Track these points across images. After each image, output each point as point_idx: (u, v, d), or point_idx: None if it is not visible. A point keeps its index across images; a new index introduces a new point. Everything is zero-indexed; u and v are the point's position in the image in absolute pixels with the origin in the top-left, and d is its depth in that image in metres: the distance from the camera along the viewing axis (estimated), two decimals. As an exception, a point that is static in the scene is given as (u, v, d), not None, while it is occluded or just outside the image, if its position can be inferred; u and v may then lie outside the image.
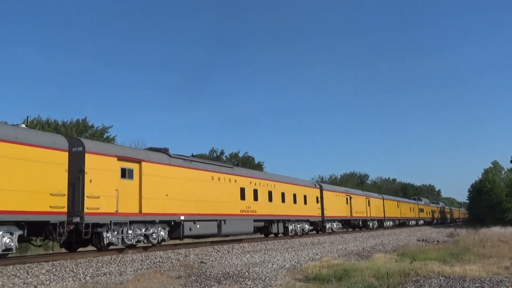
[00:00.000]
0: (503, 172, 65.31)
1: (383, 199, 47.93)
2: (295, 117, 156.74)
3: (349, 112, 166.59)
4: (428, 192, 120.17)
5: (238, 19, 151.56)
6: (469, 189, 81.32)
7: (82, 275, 10.83)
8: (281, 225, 26.15)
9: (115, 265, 12.41)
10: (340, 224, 35.59)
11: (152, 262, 13.53)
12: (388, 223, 48.71)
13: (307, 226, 29.64)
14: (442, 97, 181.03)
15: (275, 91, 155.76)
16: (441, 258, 16.06)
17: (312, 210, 30.37)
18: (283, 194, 26.37)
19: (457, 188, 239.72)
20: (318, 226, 31.93)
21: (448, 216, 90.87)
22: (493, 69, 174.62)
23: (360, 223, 40.18)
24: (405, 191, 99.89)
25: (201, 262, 14.12)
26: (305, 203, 29.43)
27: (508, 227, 42.09)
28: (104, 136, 36.91)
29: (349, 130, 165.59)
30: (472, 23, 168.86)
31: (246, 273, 11.87)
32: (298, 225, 28.29)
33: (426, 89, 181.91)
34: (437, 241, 29.06)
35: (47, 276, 10.40)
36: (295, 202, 27.83)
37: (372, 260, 16.22)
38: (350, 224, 38.61)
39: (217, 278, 11.12)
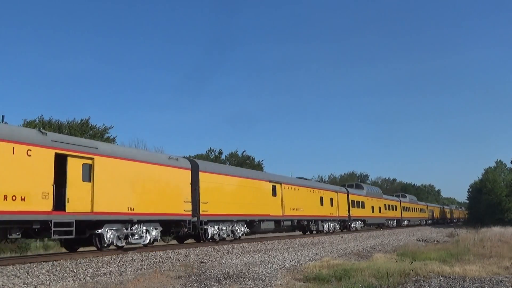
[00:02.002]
0: (504, 172, 65.34)
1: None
2: (295, 117, 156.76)
3: (349, 111, 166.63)
4: (428, 192, 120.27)
5: (237, 19, 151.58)
6: (468, 189, 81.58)
7: (82, 275, 10.83)
8: None
9: (115, 265, 12.42)
10: None
11: (152, 262, 13.53)
12: (241, 230, 21.95)
13: None
14: (443, 97, 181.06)
15: (275, 91, 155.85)
16: (441, 258, 16.05)
17: None
18: None
19: (457, 188, 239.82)
20: None
21: (425, 215, 68.58)
22: (493, 70, 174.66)
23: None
24: (405, 191, 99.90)
25: (201, 262, 14.12)
26: None
27: (508, 227, 42.12)
28: (105, 137, 36.98)
29: (349, 130, 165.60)
30: (473, 24, 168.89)
31: (246, 273, 11.87)
32: None
33: (427, 89, 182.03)
34: (437, 241, 29.06)
35: (47, 276, 10.40)
36: None
37: (372, 260, 16.22)
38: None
39: (217, 278, 11.12)
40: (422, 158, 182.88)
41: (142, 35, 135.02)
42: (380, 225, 46.37)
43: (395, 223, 51.16)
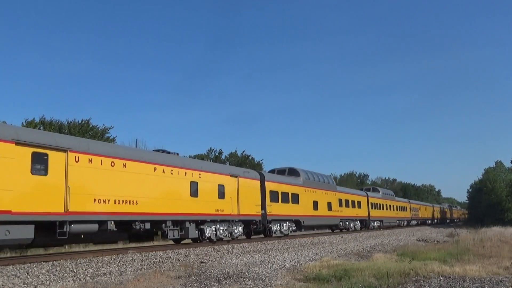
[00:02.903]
0: (504, 172, 65.41)
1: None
2: (295, 116, 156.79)
3: (349, 111, 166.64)
4: (428, 192, 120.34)
5: (237, 19, 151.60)
6: (468, 189, 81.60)
7: (82, 275, 10.83)
8: None
9: (115, 265, 12.42)
10: None
11: (152, 262, 13.53)
12: None
13: None
14: (443, 98, 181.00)
15: (275, 91, 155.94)
16: (441, 258, 16.05)
17: None
18: None
19: (457, 188, 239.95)
20: None
21: (407, 214, 55.49)
22: (493, 70, 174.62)
23: None
24: (405, 191, 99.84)
25: (201, 262, 14.11)
26: None
27: (508, 227, 42.15)
28: (105, 137, 37.01)
29: (349, 130, 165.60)
30: (473, 24, 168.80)
31: (246, 273, 11.86)
32: None
33: (427, 90, 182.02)
34: (437, 241, 29.04)
35: (47, 276, 10.40)
36: None
37: (372, 260, 16.21)
38: None
39: (217, 278, 11.12)
40: (422, 158, 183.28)
41: (142, 35, 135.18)
42: (334, 227, 35.10)
43: (358, 225, 38.84)
